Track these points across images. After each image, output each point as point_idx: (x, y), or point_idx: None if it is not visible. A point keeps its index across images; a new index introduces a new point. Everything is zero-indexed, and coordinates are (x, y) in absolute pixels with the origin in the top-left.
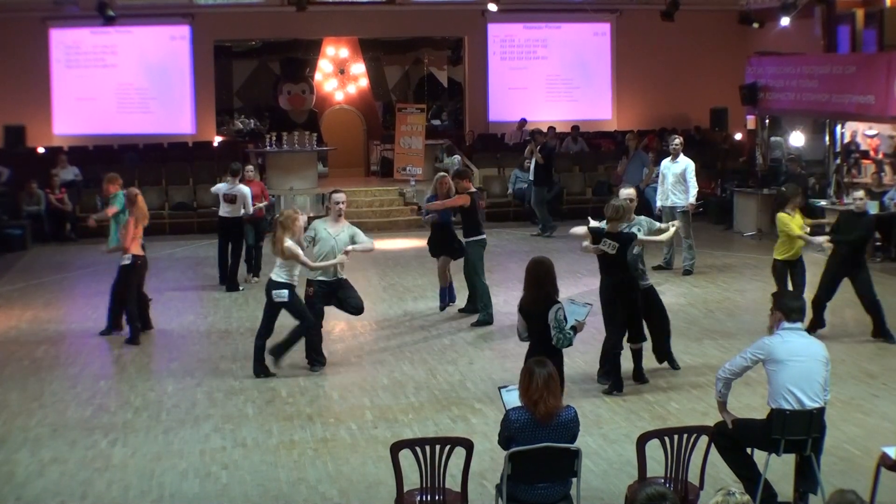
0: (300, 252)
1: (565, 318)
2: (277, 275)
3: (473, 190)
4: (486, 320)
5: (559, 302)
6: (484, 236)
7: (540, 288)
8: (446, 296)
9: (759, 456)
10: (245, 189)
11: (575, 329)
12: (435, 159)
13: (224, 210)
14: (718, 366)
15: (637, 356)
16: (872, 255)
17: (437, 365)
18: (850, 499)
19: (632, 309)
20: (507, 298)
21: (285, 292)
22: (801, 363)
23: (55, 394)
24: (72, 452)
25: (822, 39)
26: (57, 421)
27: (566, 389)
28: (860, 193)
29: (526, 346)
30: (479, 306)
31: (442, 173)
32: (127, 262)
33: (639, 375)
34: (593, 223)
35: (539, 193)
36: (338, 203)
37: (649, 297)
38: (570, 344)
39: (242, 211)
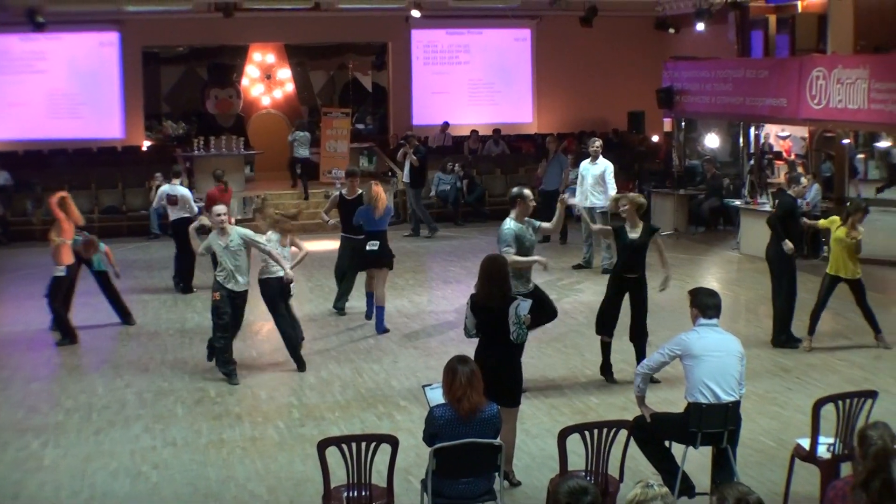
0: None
1: (522, 314)
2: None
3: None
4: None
5: (517, 297)
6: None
7: (494, 284)
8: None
9: (677, 449)
10: (184, 191)
11: (525, 323)
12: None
13: (171, 214)
14: (636, 362)
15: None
16: None
17: (362, 364)
18: (744, 490)
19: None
20: (430, 298)
21: None
22: (716, 358)
23: None
24: (4, 454)
25: (736, 44)
26: None
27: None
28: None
29: (450, 342)
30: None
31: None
32: (61, 273)
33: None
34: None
35: (416, 195)
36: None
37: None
38: (526, 338)
39: (188, 214)
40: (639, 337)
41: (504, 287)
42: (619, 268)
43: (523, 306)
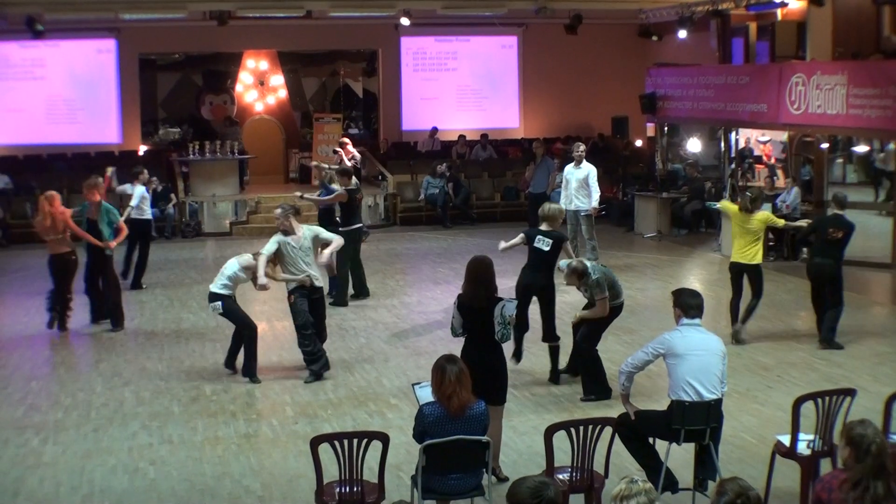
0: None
1: (507, 314)
2: (214, 285)
3: (352, 187)
4: (341, 303)
5: (502, 299)
6: (358, 226)
7: (480, 285)
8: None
9: (661, 445)
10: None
11: (510, 323)
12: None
13: (138, 214)
14: (621, 360)
15: (555, 354)
16: (766, 256)
17: (354, 363)
18: (744, 485)
19: (551, 308)
20: (420, 299)
21: (218, 303)
22: (699, 357)
23: None
24: (4, 451)
25: (718, 51)
26: None
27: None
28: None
29: (439, 341)
30: (335, 290)
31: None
32: None
33: (555, 376)
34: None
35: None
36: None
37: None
38: (510, 338)
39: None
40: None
41: (489, 288)
42: None
43: (508, 307)
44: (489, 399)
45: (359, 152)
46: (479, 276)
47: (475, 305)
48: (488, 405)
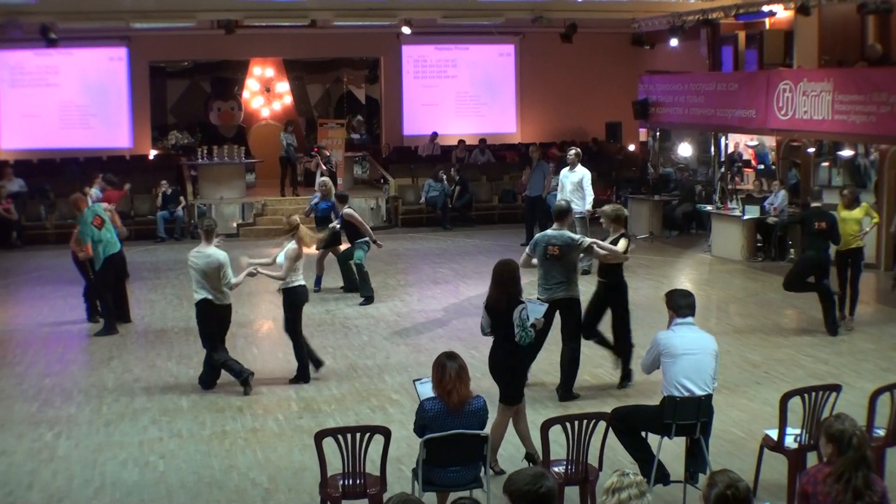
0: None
1: (528, 317)
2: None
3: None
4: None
5: (523, 302)
6: (366, 239)
7: (503, 288)
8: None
9: (653, 439)
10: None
11: (535, 326)
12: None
13: None
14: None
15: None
16: (754, 256)
17: (357, 360)
18: (734, 477)
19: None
20: (420, 297)
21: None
22: (693, 356)
23: (2, 391)
24: (19, 445)
25: (708, 59)
26: (4, 416)
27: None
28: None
29: (440, 339)
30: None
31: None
32: None
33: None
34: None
35: None
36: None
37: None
38: (532, 340)
39: None
40: (618, 337)
41: (511, 290)
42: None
43: (532, 310)
44: (502, 398)
45: (332, 157)
46: (502, 279)
47: (497, 307)
48: (500, 403)
